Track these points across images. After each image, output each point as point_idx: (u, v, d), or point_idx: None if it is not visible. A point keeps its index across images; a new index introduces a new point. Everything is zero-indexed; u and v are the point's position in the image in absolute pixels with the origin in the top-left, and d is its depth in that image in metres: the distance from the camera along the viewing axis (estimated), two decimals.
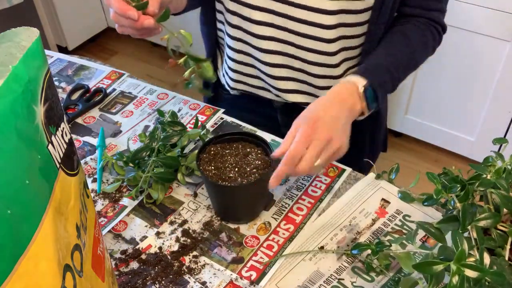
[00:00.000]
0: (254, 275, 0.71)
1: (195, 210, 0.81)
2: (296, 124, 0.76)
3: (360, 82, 0.80)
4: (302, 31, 0.88)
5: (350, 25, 0.87)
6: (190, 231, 0.78)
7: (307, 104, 1.00)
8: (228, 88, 1.07)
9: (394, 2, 0.86)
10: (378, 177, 0.85)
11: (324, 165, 0.75)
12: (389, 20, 0.89)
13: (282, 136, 1.07)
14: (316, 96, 0.98)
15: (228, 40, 0.97)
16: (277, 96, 0.99)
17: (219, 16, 0.98)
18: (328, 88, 0.96)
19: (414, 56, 0.89)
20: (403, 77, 0.87)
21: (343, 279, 0.71)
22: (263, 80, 0.98)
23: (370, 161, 0.92)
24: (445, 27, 0.94)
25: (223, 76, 1.07)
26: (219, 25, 1.00)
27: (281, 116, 1.06)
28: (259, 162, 0.77)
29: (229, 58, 0.99)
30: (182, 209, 0.81)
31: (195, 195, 0.83)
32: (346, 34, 0.89)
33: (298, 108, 1.02)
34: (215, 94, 1.13)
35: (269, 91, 1.00)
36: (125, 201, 0.82)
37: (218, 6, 0.96)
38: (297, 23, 0.87)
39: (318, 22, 0.86)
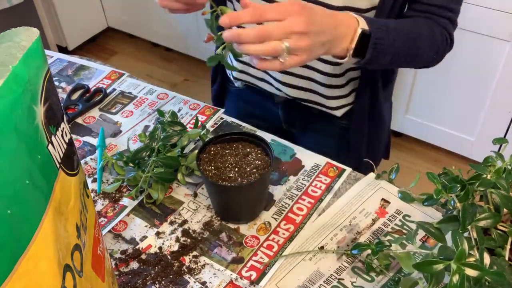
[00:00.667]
0: (254, 275, 0.71)
1: (195, 210, 0.81)
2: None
3: (362, 24, 0.76)
4: None
5: None
6: (190, 231, 0.78)
7: (308, 100, 1.00)
8: (232, 79, 1.07)
9: (394, 2, 0.86)
10: (378, 177, 0.85)
11: (287, 50, 0.66)
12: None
13: (283, 133, 1.07)
14: (316, 93, 0.98)
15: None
16: (278, 89, 1.00)
17: (228, 5, 0.98)
18: (328, 86, 0.96)
19: (418, 38, 0.85)
20: (400, 51, 0.82)
21: (343, 279, 0.71)
22: (265, 71, 0.98)
23: (370, 161, 0.92)
24: (452, 37, 0.90)
25: None
26: None
27: (282, 112, 1.07)
28: (259, 162, 0.77)
29: None
30: (182, 209, 0.81)
31: (195, 195, 0.83)
32: None
33: (299, 104, 1.02)
34: (220, 86, 1.13)
35: (271, 84, 1.00)
36: (125, 201, 0.82)
37: None
38: None
39: None
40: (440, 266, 0.53)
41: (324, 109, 1.01)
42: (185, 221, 0.79)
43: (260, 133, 0.93)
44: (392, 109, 1.12)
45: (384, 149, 1.14)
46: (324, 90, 0.97)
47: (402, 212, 0.80)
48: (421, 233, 0.76)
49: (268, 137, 0.93)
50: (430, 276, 0.53)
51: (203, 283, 0.71)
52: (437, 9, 0.87)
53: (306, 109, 1.03)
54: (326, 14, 0.72)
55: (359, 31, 0.75)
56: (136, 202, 0.82)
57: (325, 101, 0.99)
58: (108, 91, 1.05)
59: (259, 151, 0.79)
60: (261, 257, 0.74)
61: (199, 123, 0.94)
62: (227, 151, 0.79)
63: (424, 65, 0.91)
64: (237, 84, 1.09)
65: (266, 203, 0.81)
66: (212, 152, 0.79)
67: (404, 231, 0.77)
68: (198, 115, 0.98)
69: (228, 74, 1.11)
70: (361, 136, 1.03)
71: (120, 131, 0.96)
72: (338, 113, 1.01)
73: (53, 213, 0.42)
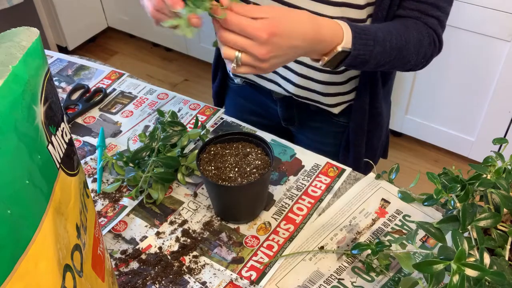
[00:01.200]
0: (254, 275, 0.71)
1: (195, 210, 0.81)
2: (264, 12, 0.68)
3: (346, 42, 0.75)
4: None
5: (352, 20, 0.87)
6: (190, 231, 0.78)
7: (306, 98, 1.00)
8: (232, 76, 1.08)
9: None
10: (378, 177, 0.85)
11: (236, 62, 0.68)
12: (387, 18, 0.88)
13: (282, 131, 1.07)
14: (314, 90, 0.97)
15: None
16: (278, 86, 1.00)
17: None
18: (326, 83, 0.96)
19: (406, 46, 0.84)
20: (384, 60, 0.82)
21: (343, 279, 0.71)
22: None
23: (370, 161, 0.92)
24: (441, 40, 0.89)
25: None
26: None
27: (280, 109, 1.07)
28: (259, 162, 0.77)
29: None
30: (182, 209, 0.81)
31: (195, 195, 0.83)
32: None
33: (297, 101, 1.02)
34: (221, 83, 1.14)
35: (270, 80, 1.00)
36: (125, 201, 0.82)
37: None
38: None
39: (321, 13, 0.85)
40: (440, 266, 0.53)
41: (322, 106, 1.01)
42: (185, 221, 0.79)
43: (260, 133, 0.93)
44: (392, 109, 1.12)
45: (383, 148, 1.14)
46: (322, 87, 0.97)
47: (402, 212, 0.80)
48: (421, 233, 0.76)
49: (268, 137, 0.93)
50: (430, 276, 0.53)
51: (203, 283, 0.71)
52: (426, 7, 0.87)
53: (304, 106, 1.03)
54: (301, 36, 0.71)
55: (339, 49, 0.75)
56: (136, 202, 0.82)
57: (323, 98, 0.99)
58: (108, 91, 1.05)
59: (259, 151, 0.79)
60: (261, 257, 0.74)
61: (199, 123, 0.94)
62: (227, 151, 0.79)
63: (411, 68, 0.91)
64: (237, 80, 1.09)
65: (266, 203, 0.81)
66: (212, 152, 0.79)
67: (404, 231, 0.77)
68: (198, 115, 0.98)
69: (228, 71, 1.11)
70: (360, 134, 1.03)
71: (120, 131, 0.96)
72: (336, 110, 1.01)
73: (53, 213, 0.42)
